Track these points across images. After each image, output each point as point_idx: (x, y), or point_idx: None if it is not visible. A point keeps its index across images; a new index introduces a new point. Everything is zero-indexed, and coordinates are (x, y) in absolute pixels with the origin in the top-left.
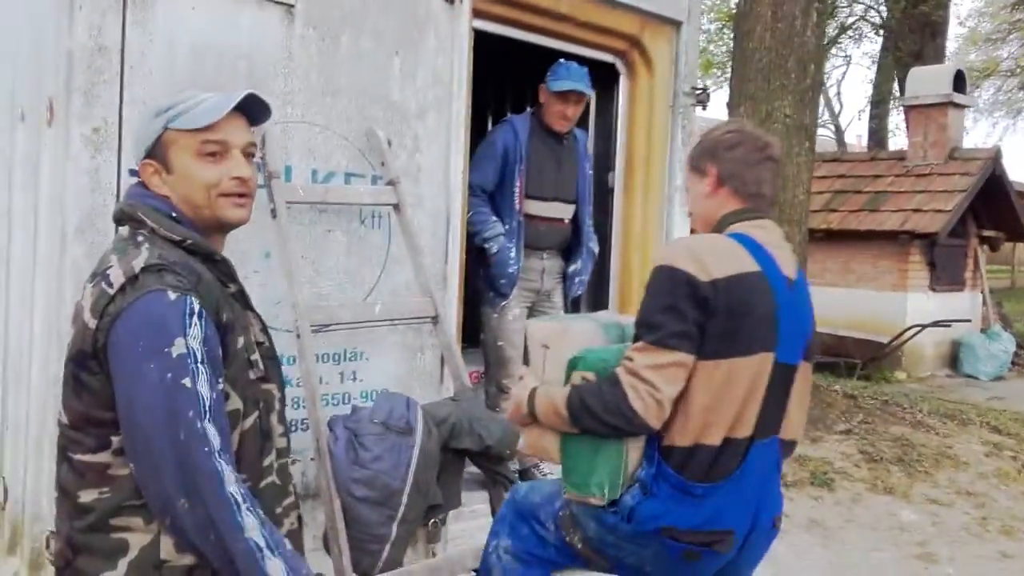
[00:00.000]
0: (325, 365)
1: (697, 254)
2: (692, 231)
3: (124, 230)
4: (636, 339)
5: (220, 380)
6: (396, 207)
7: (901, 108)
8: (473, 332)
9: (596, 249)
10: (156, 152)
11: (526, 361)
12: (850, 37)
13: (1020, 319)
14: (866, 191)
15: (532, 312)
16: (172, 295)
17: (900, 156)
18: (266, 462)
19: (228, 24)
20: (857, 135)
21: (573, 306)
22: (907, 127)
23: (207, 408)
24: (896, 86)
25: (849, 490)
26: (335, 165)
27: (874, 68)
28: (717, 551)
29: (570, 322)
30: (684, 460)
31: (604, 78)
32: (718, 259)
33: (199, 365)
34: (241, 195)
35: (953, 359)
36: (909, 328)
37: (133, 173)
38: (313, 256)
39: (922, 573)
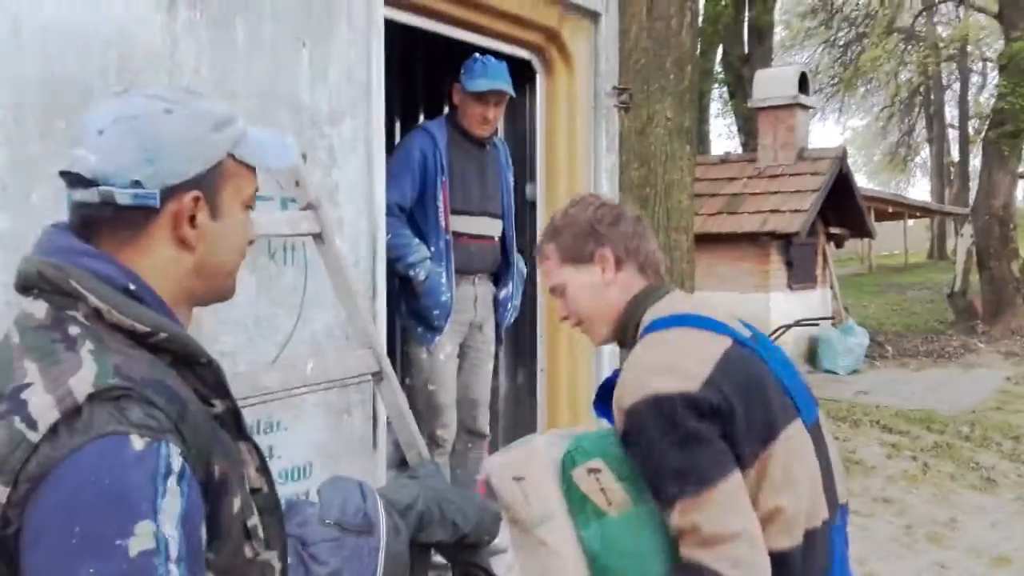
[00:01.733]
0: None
1: (666, 364)
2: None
3: (39, 309)
4: (667, 500)
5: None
6: (318, 236)
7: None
8: None
9: (525, 270)
10: (206, 184)
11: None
12: None
13: (872, 307)
14: (722, 194)
15: (463, 350)
16: (138, 443)
17: (751, 159)
18: None
19: (91, 4)
20: None
21: (507, 337)
22: (756, 130)
23: None
24: (726, 91)
25: None
26: None
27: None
28: None
29: (528, 441)
30: (778, 563)
31: (518, 78)
32: (686, 358)
33: (171, 567)
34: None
35: (811, 355)
36: (777, 329)
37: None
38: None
39: None
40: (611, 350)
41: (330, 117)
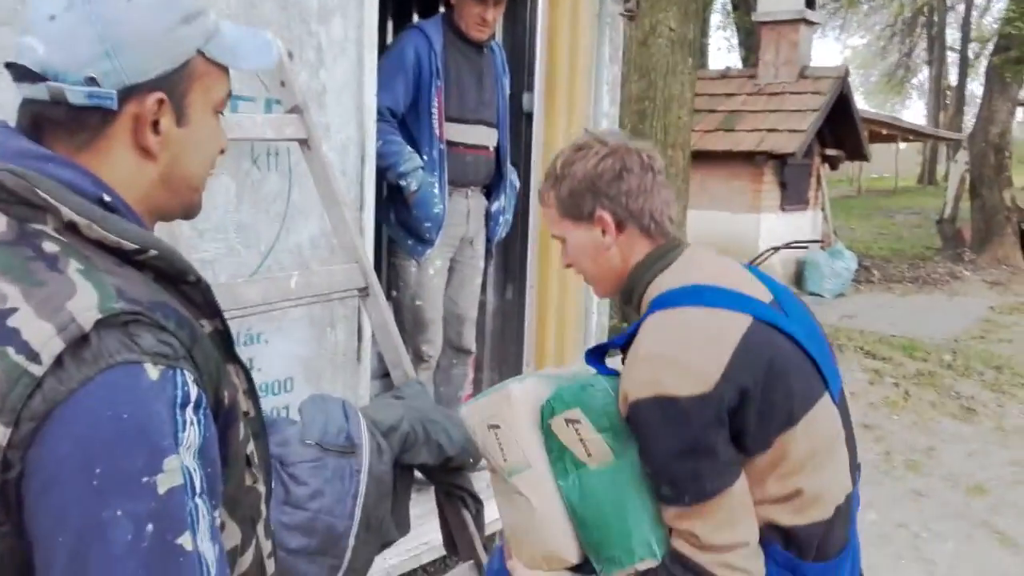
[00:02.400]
0: None
1: (679, 360)
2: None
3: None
4: (664, 498)
5: (217, 510)
6: (305, 142)
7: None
8: None
9: (518, 184)
10: (171, 85)
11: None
12: None
13: (860, 231)
14: (719, 110)
15: (453, 265)
16: (153, 372)
17: (751, 75)
18: None
19: None
20: None
21: (497, 252)
22: (758, 45)
23: None
24: (729, 2)
25: None
26: None
27: None
28: None
29: (506, 386)
30: (791, 537)
31: None
32: (701, 350)
33: (198, 502)
34: None
35: (798, 278)
36: (765, 251)
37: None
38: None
39: None
40: None
41: (319, 14)
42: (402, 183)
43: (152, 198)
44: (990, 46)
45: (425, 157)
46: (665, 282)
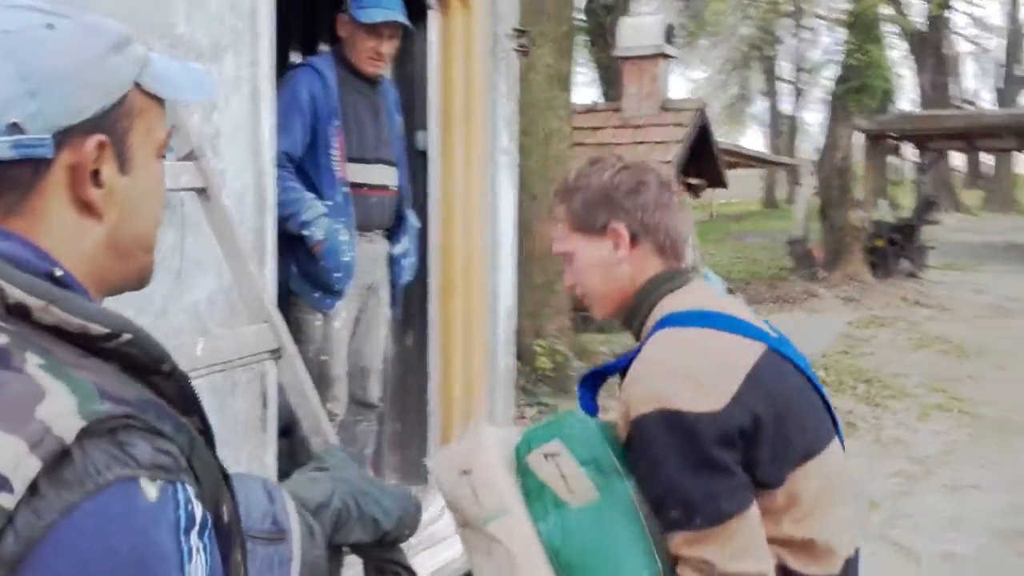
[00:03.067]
0: None
1: (689, 375)
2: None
3: None
4: (671, 524)
5: None
6: (202, 191)
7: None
8: None
9: (418, 224)
10: (111, 124)
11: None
12: None
13: (717, 254)
14: (588, 143)
15: (359, 315)
16: (151, 490)
17: (616, 108)
18: None
19: None
20: None
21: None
22: (616, 79)
23: None
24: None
25: None
26: None
27: None
28: None
29: (475, 433)
30: None
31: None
32: (712, 369)
33: None
34: None
35: None
36: None
37: None
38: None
39: None
40: (508, 308)
41: (210, 51)
42: (306, 233)
43: (99, 267)
44: (819, 77)
45: (328, 202)
46: (675, 303)
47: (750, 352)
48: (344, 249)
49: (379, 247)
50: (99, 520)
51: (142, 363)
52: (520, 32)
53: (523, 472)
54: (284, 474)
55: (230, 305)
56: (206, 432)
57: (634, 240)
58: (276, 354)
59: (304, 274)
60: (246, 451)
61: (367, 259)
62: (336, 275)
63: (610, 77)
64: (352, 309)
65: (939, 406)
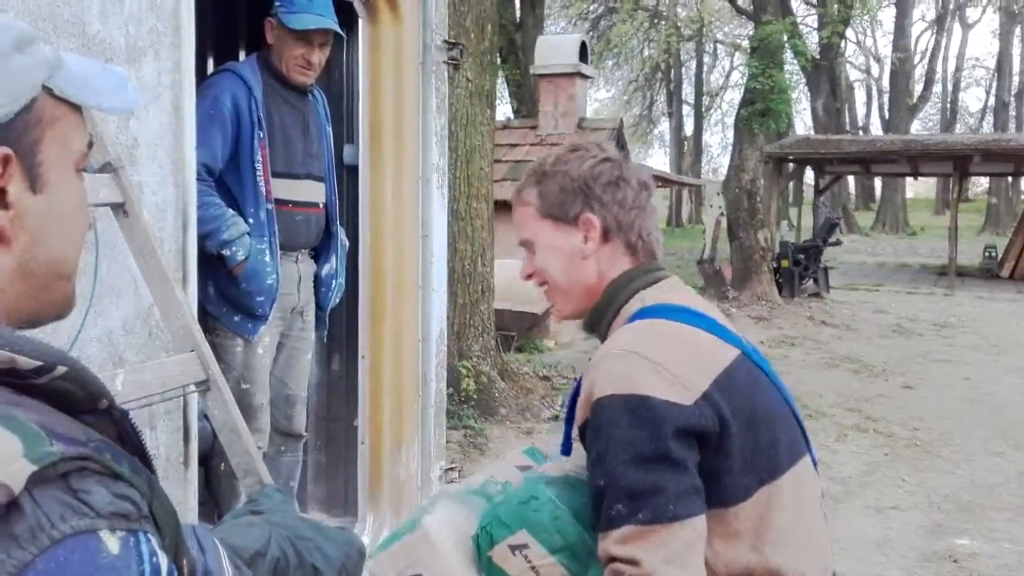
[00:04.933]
0: None
1: (661, 363)
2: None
3: None
4: (609, 521)
5: None
6: (120, 207)
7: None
8: None
9: (347, 243)
10: (16, 136)
11: None
12: None
13: None
14: (505, 160)
15: (282, 340)
16: (111, 542)
17: (532, 125)
18: None
19: None
20: None
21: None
22: (529, 96)
23: None
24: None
25: None
26: None
27: None
28: None
29: (417, 523)
30: None
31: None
32: (686, 363)
33: None
34: None
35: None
36: None
37: None
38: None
39: None
40: (441, 331)
41: (127, 53)
42: (226, 253)
43: (10, 298)
44: (720, 100)
45: (251, 220)
46: (651, 297)
47: (725, 354)
48: (268, 271)
49: (305, 267)
50: None
51: (76, 398)
52: (451, 44)
53: (488, 568)
54: (201, 505)
55: (147, 332)
56: (151, 477)
57: (606, 235)
58: (203, 386)
59: (223, 297)
60: (167, 490)
61: (292, 281)
62: (259, 299)
63: (521, 94)
64: (275, 334)
65: (856, 427)
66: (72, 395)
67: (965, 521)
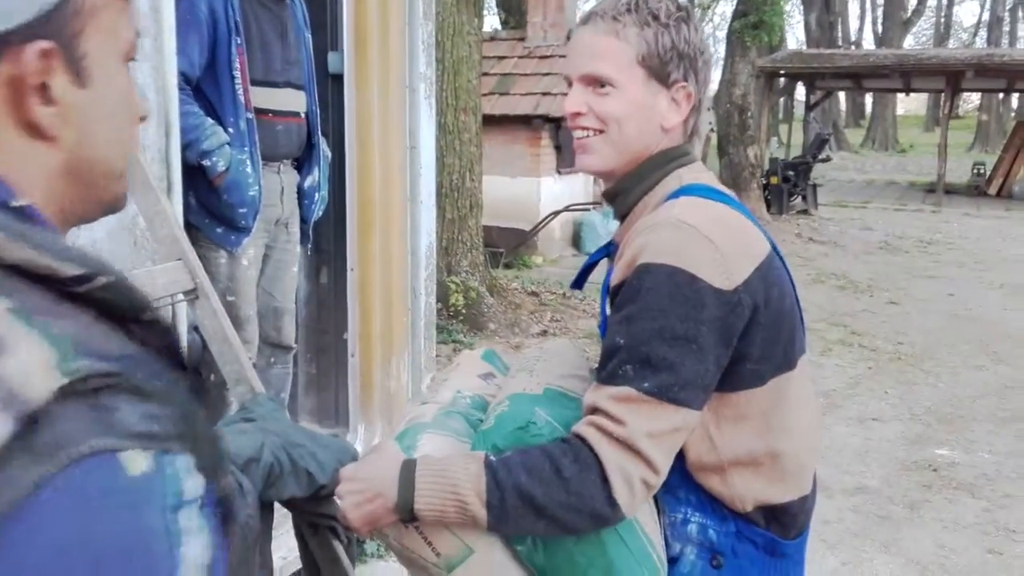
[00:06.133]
0: None
1: (715, 241)
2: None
3: None
4: (612, 376)
5: None
6: None
7: None
8: None
9: (330, 155)
10: (57, 28)
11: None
12: None
13: None
14: (492, 73)
15: (267, 252)
16: (138, 461)
17: (520, 37)
18: None
19: None
20: None
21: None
22: (515, 6)
23: None
24: None
25: None
26: None
27: None
28: None
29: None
30: (771, 514)
31: None
32: (736, 247)
33: None
34: None
35: (576, 239)
36: (547, 216)
37: None
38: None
39: None
40: (429, 244)
41: None
42: (206, 163)
43: (57, 197)
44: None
45: (231, 130)
46: (688, 176)
47: (763, 243)
48: (249, 182)
49: (288, 178)
50: (75, 498)
51: (121, 309)
52: None
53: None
54: None
55: (132, 241)
56: (198, 391)
57: (694, 108)
58: (192, 295)
59: (205, 207)
60: None
61: (274, 191)
62: (240, 210)
63: (509, 4)
64: (260, 246)
65: (840, 341)
66: (114, 305)
67: (946, 432)
